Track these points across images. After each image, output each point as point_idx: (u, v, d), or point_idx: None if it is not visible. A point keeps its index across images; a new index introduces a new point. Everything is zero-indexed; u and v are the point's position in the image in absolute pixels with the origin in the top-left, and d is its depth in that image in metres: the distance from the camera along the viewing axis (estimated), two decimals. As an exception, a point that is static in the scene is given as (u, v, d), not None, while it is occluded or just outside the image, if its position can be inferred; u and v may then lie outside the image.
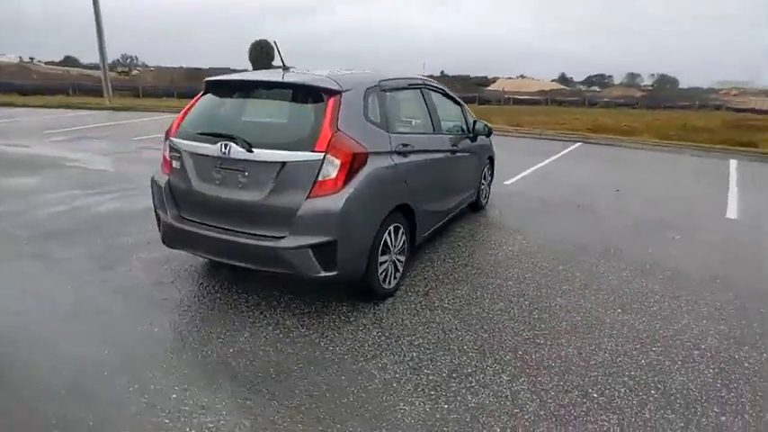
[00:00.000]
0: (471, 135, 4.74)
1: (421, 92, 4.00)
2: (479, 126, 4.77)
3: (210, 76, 3.53)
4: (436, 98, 4.24)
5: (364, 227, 2.98)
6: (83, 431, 2.07)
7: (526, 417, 2.23)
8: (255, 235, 2.90)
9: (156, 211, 3.40)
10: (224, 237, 2.96)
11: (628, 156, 10.41)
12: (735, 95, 51.08)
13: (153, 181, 3.40)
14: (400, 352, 2.73)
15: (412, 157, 3.46)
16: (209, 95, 3.35)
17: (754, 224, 5.54)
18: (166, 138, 3.34)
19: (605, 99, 41.21)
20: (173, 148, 3.23)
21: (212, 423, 2.15)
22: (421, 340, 2.86)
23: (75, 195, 5.74)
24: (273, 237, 2.85)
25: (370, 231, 3.02)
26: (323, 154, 2.75)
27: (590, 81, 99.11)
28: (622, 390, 2.45)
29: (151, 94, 25.31)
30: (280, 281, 3.46)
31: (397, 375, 2.52)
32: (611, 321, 3.14)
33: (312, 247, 2.77)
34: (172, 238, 3.27)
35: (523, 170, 7.91)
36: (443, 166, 4.09)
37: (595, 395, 2.41)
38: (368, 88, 3.19)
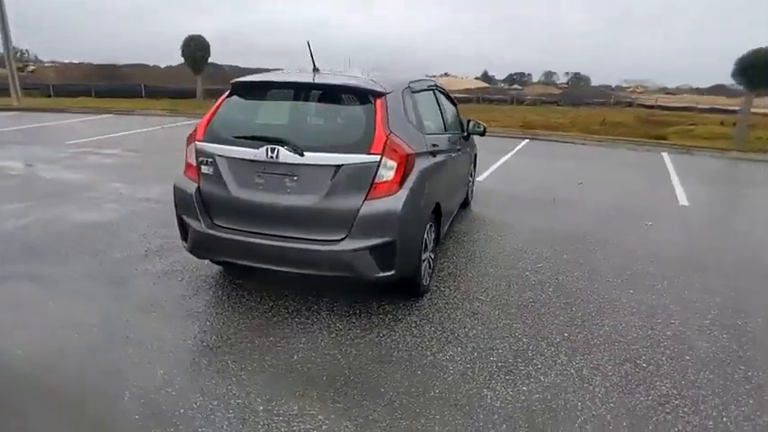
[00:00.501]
0: (466, 134, 5.00)
1: (434, 93, 4.18)
2: (472, 125, 5.04)
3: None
4: (442, 99, 4.44)
5: (417, 226, 3.09)
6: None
7: (597, 390, 2.50)
8: (309, 239, 2.91)
9: (180, 219, 3.26)
10: (271, 243, 2.92)
11: (573, 151, 11.34)
12: (641, 93, 56.79)
13: (176, 188, 3.26)
14: (460, 343, 2.89)
15: (438, 157, 3.62)
16: (235, 98, 3.27)
17: (704, 210, 6.37)
18: (190, 142, 3.23)
19: (529, 97, 43.92)
20: (202, 153, 3.13)
21: (314, 428, 2.17)
22: (475, 331, 3.03)
23: (33, 206, 5.23)
24: (330, 240, 2.87)
25: (420, 230, 3.14)
26: (379, 156, 2.82)
27: (511, 79, 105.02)
28: (663, 358, 2.80)
29: (65, 93, 22.94)
30: (308, 285, 3.47)
31: (469, 365, 2.68)
32: (627, 301, 3.52)
33: (371, 248, 2.83)
34: (204, 247, 3.16)
35: (487, 167, 8.36)
36: (454, 165, 4.30)
37: (644, 365, 2.73)
38: (403, 90, 3.30)
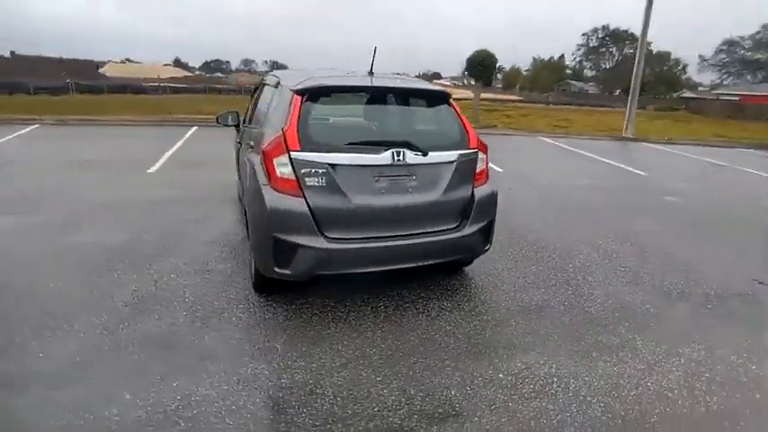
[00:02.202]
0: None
1: None
2: None
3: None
4: None
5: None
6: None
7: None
8: (434, 231, 3.21)
9: (278, 241, 2.93)
10: (396, 243, 3.08)
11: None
12: None
13: (273, 209, 2.91)
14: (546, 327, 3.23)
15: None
16: (314, 103, 3.10)
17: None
18: (275, 154, 2.93)
19: (249, 86, 44.58)
20: (305, 164, 2.92)
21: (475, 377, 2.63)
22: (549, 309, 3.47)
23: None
24: (451, 228, 3.27)
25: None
26: (476, 150, 3.34)
27: (209, 67, 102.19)
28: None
29: None
30: (358, 286, 3.60)
31: (560, 342, 3.05)
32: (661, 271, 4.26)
33: (481, 229, 3.37)
34: (326, 264, 3.00)
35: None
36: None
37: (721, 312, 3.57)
38: None
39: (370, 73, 3.48)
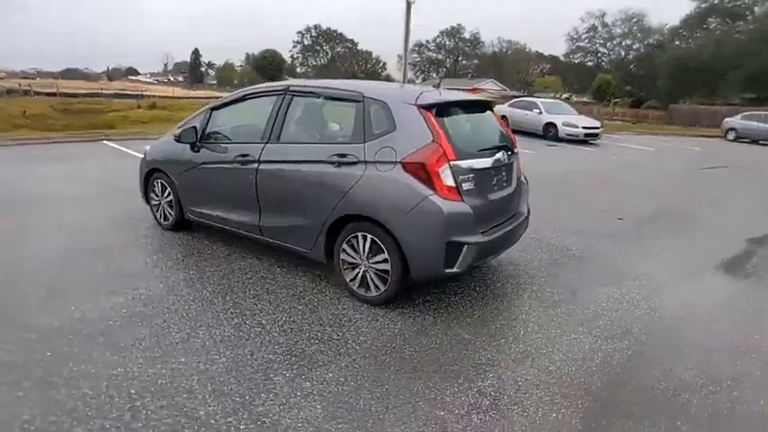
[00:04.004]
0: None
1: None
2: None
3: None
4: None
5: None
6: None
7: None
8: (522, 215, 3.97)
9: (450, 243, 3.21)
10: (510, 228, 3.74)
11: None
12: (34, 80, 51.98)
13: (447, 215, 3.16)
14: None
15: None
16: (441, 117, 3.40)
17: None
18: (440, 165, 3.18)
19: None
20: (460, 171, 3.27)
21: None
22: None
23: None
24: (525, 212, 4.08)
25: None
26: (516, 149, 4.22)
27: None
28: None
29: None
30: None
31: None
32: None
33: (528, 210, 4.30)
34: (479, 255, 3.39)
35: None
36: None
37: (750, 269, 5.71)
38: None
39: (438, 86, 4.00)
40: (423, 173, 3.19)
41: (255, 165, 3.94)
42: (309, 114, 4.06)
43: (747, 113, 21.91)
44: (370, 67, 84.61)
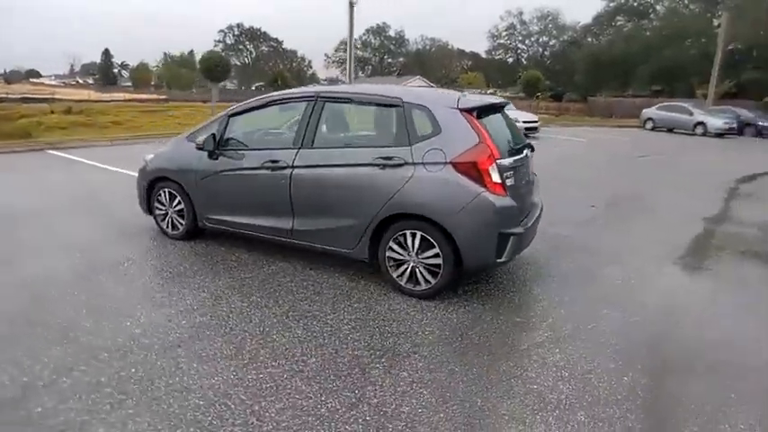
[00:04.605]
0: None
1: None
2: None
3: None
4: None
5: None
6: None
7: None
8: (536, 206, 4.31)
9: (503, 235, 3.50)
10: (534, 218, 4.05)
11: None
12: None
13: (499, 209, 3.45)
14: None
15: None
16: (481, 120, 3.66)
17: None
18: (489, 163, 3.46)
19: None
20: (504, 169, 3.55)
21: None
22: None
23: None
24: (539, 203, 4.44)
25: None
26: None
27: None
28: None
29: None
30: None
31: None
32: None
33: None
34: (521, 245, 3.72)
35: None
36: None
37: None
38: None
39: (462, 93, 4.22)
40: (474, 171, 3.44)
41: (288, 170, 3.99)
42: (344, 119, 4.18)
43: (663, 105, 24.28)
44: (295, 66, 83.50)
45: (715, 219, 6.67)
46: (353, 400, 2.52)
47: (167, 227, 4.85)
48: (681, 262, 4.84)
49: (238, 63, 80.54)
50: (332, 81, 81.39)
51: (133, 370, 2.69)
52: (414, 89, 4.81)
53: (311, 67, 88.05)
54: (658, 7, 42.97)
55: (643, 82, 39.14)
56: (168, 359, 2.80)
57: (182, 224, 4.74)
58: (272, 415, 2.38)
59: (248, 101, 4.51)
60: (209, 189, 4.44)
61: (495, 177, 3.46)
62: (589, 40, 48.31)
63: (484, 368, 2.87)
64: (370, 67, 74.34)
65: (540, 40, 56.50)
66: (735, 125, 21.91)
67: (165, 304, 3.46)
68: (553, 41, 55.11)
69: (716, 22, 32.21)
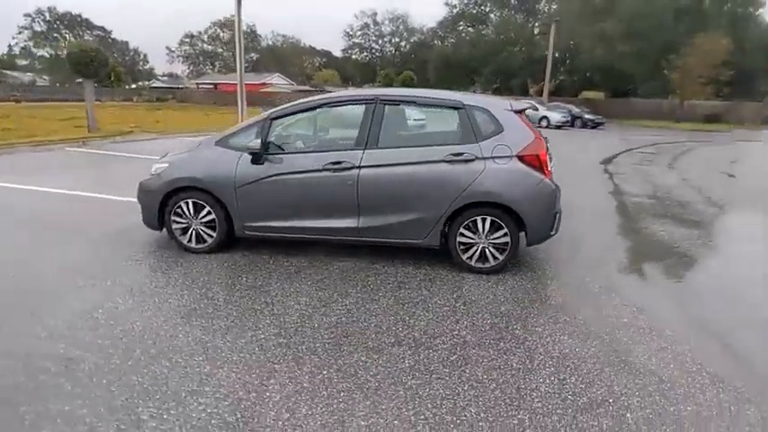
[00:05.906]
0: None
1: None
2: None
3: None
4: None
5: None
6: None
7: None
8: None
9: (557, 212, 4.30)
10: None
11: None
12: None
13: (554, 192, 4.20)
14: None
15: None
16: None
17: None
18: (546, 156, 4.18)
19: None
20: (550, 159, 4.30)
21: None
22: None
23: None
24: None
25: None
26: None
27: None
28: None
29: None
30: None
31: None
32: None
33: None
34: (559, 222, 4.49)
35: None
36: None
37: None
38: None
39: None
40: (537, 162, 4.14)
41: (355, 171, 4.23)
42: (404, 121, 4.54)
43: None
44: (128, 60, 75.41)
45: (616, 192, 8.42)
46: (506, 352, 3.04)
47: (190, 241, 4.61)
48: (625, 225, 6.18)
49: (51, 55, 69.56)
50: (171, 77, 75.32)
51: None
52: (468, 94, 4.96)
53: (147, 62, 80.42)
54: (492, 16, 48.88)
55: (487, 81, 44.28)
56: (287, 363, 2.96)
57: (211, 236, 4.57)
58: (479, 375, 2.79)
59: (293, 103, 4.57)
60: (252, 195, 4.39)
61: (550, 166, 4.22)
62: (436, 42, 52.77)
63: (587, 322, 3.57)
64: (220, 62, 70.53)
65: (393, 40, 59.83)
66: (569, 118, 26.33)
67: (263, 312, 3.51)
68: (404, 42, 58.79)
69: (536, 31, 38.29)
